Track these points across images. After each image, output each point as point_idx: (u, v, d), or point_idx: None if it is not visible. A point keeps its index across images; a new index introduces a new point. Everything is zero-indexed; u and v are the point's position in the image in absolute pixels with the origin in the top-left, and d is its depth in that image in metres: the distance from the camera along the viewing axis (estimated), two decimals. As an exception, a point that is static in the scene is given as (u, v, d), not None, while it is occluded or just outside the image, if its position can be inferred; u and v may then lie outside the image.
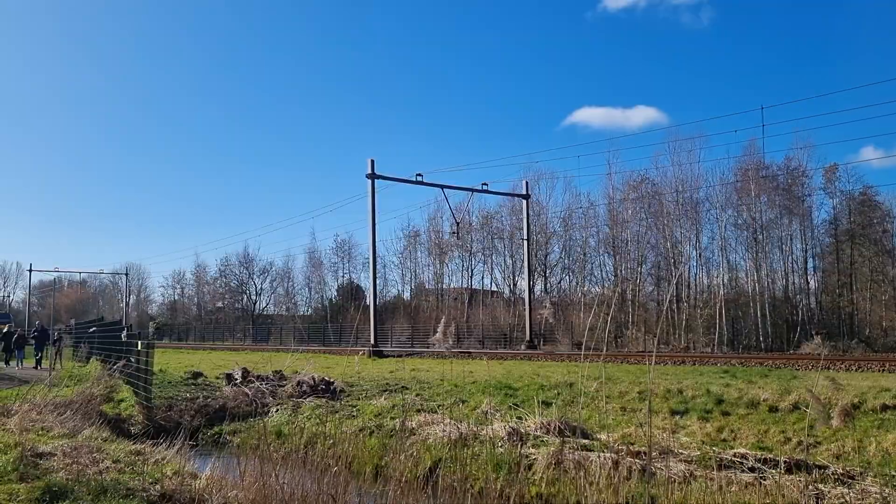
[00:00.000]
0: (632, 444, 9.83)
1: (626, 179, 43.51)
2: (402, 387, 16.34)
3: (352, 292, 60.06)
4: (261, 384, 16.52)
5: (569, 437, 9.88)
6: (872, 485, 7.66)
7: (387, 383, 17.01)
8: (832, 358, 19.39)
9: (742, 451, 9.13)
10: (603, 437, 10.28)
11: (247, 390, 16.08)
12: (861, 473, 8.08)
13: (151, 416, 14.17)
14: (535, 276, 45.65)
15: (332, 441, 9.29)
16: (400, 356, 28.87)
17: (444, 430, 10.84)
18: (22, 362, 28.14)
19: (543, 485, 8.83)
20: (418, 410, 13.05)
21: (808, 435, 9.59)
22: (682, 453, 9.18)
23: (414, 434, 11.15)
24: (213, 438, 13.53)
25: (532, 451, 9.77)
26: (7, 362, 27.80)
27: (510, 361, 23.61)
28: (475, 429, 10.62)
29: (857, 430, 9.62)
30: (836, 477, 7.95)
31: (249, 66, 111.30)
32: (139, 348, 15.71)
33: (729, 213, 40.00)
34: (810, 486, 7.55)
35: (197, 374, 19.91)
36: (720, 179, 40.15)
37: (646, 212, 42.39)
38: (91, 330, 28.02)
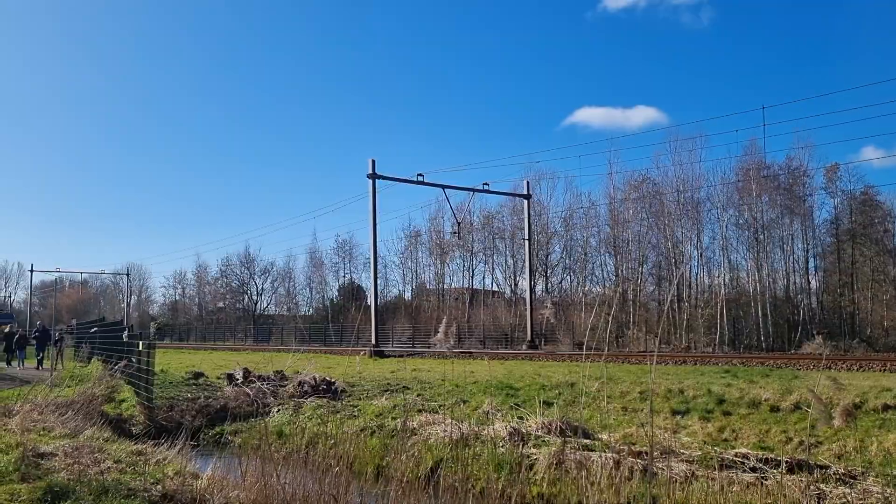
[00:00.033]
0: (633, 444, 9.83)
1: (627, 179, 43.67)
2: (404, 387, 16.33)
3: (353, 292, 60.12)
4: (262, 384, 16.52)
5: (570, 437, 9.89)
6: (874, 485, 7.66)
7: (388, 383, 17.00)
8: (833, 358, 19.36)
9: (743, 450, 9.14)
10: (604, 437, 10.28)
11: (248, 390, 16.09)
12: (863, 473, 8.08)
13: (153, 416, 14.19)
14: (537, 276, 45.65)
15: (333, 441, 9.28)
16: (401, 356, 28.86)
17: (445, 431, 10.84)
18: (23, 362, 28.16)
19: (545, 485, 8.84)
20: (419, 410, 13.05)
21: (809, 435, 9.58)
22: (683, 453, 9.18)
23: (415, 434, 11.15)
24: (214, 439, 13.54)
25: (533, 451, 9.77)
26: (9, 362, 27.80)
27: (511, 361, 23.60)
28: (476, 429, 10.61)
29: (858, 429, 9.61)
30: (837, 477, 7.95)
31: (249, 66, 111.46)
32: (140, 348, 15.73)
33: (730, 212, 40.11)
34: (812, 486, 7.54)
35: (198, 375, 19.94)
36: (721, 179, 40.27)
37: (647, 212, 42.42)
38: (92, 330, 28.02)
